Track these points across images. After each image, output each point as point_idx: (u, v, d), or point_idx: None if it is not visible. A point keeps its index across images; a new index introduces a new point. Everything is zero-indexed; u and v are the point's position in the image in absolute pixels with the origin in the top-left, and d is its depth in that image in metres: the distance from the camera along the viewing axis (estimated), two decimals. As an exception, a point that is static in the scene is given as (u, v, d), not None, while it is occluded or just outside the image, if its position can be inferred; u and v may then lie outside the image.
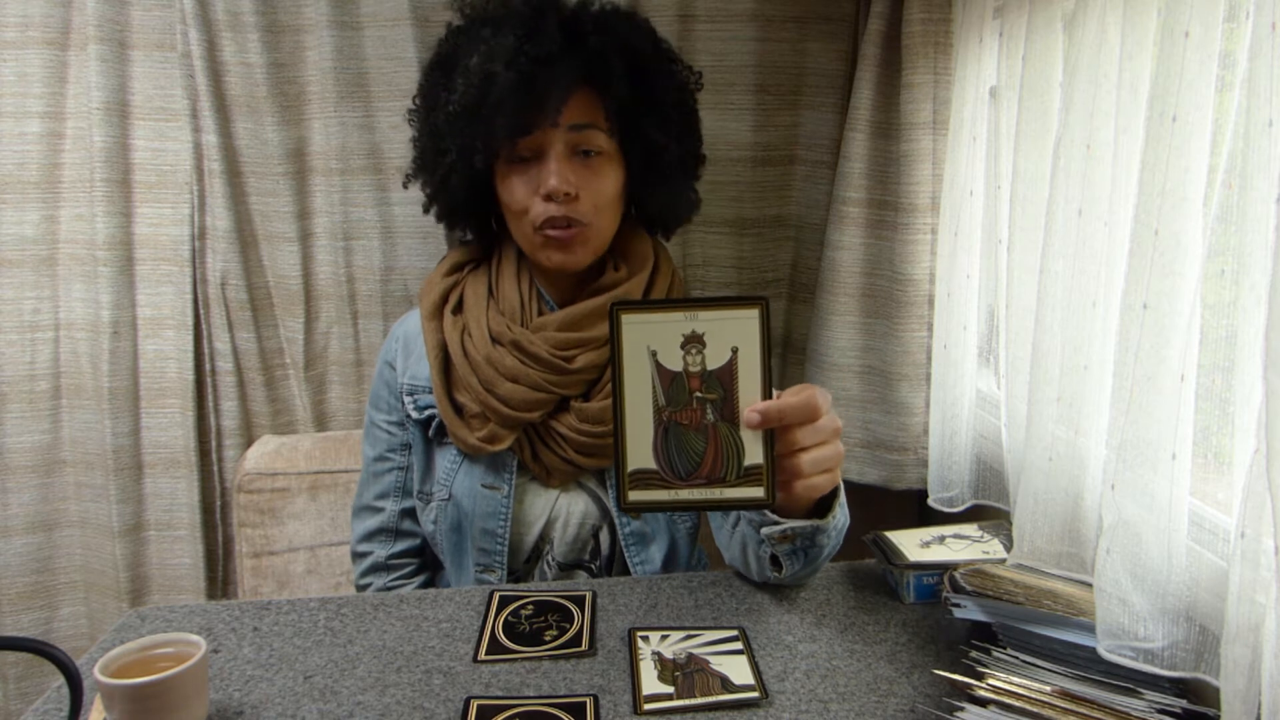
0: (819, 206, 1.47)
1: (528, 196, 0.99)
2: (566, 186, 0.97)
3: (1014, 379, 1.03)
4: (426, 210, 1.14)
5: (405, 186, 1.15)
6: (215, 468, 1.47)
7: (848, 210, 1.34)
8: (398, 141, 1.42)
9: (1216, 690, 0.65)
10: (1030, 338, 0.93)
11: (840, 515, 0.87)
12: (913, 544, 1.00)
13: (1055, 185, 0.88)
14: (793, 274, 1.54)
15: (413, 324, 1.12)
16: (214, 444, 1.46)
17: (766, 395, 0.73)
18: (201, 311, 1.43)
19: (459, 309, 1.07)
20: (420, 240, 1.46)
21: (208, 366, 1.45)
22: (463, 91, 0.98)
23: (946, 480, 1.19)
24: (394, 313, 1.48)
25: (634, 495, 0.76)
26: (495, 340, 1.03)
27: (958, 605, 0.84)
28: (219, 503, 1.48)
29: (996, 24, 1.10)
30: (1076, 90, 0.85)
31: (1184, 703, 0.70)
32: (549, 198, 0.97)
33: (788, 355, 1.56)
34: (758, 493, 0.74)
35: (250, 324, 1.44)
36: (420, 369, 1.08)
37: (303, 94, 1.41)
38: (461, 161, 1.01)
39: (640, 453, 0.75)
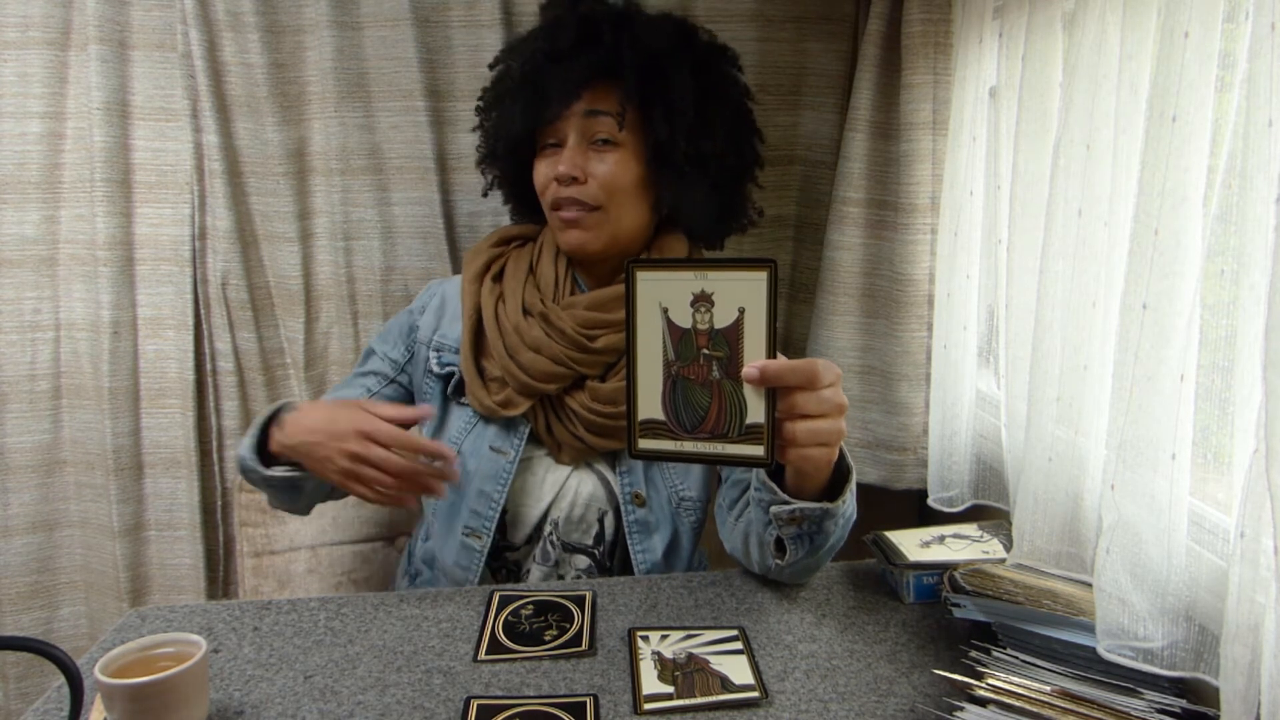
0: (819, 206, 1.47)
1: (547, 180, 1.06)
2: (573, 170, 1.02)
3: (1014, 379, 1.03)
4: (485, 194, 1.22)
5: (477, 168, 1.21)
6: (216, 468, 1.47)
7: (848, 210, 1.34)
8: (398, 141, 1.42)
9: (1216, 690, 0.65)
10: (1030, 338, 0.93)
11: (850, 502, 0.87)
12: (913, 544, 1.01)
13: (1055, 185, 0.88)
14: (793, 274, 1.54)
15: (453, 287, 1.17)
16: (214, 444, 1.46)
17: (771, 356, 0.74)
18: (202, 311, 1.43)
19: (499, 278, 1.12)
20: (420, 240, 1.46)
21: (208, 366, 1.45)
22: (492, 89, 1.12)
23: (946, 480, 1.19)
24: (394, 312, 1.48)
25: (643, 443, 0.78)
26: (526, 311, 1.08)
27: (958, 605, 0.84)
28: (219, 502, 1.48)
29: (996, 24, 1.10)
30: (1076, 90, 0.85)
31: (1184, 702, 0.70)
32: (559, 180, 1.03)
33: (788, 355, 1.55)
34: (757, 451, 0.76)
35: (251, 324, 1.44)
36: (452, 329, 1.13)
37: (303, 94, 1.41)
38: (495, 148, 1.12)
39: (650, 403, 0.78)
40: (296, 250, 1.43)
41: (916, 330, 1.30)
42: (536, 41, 1.07)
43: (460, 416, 1.11)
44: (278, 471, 0.98)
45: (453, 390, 1.11)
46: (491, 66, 1.15)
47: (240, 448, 1.01)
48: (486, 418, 1.09)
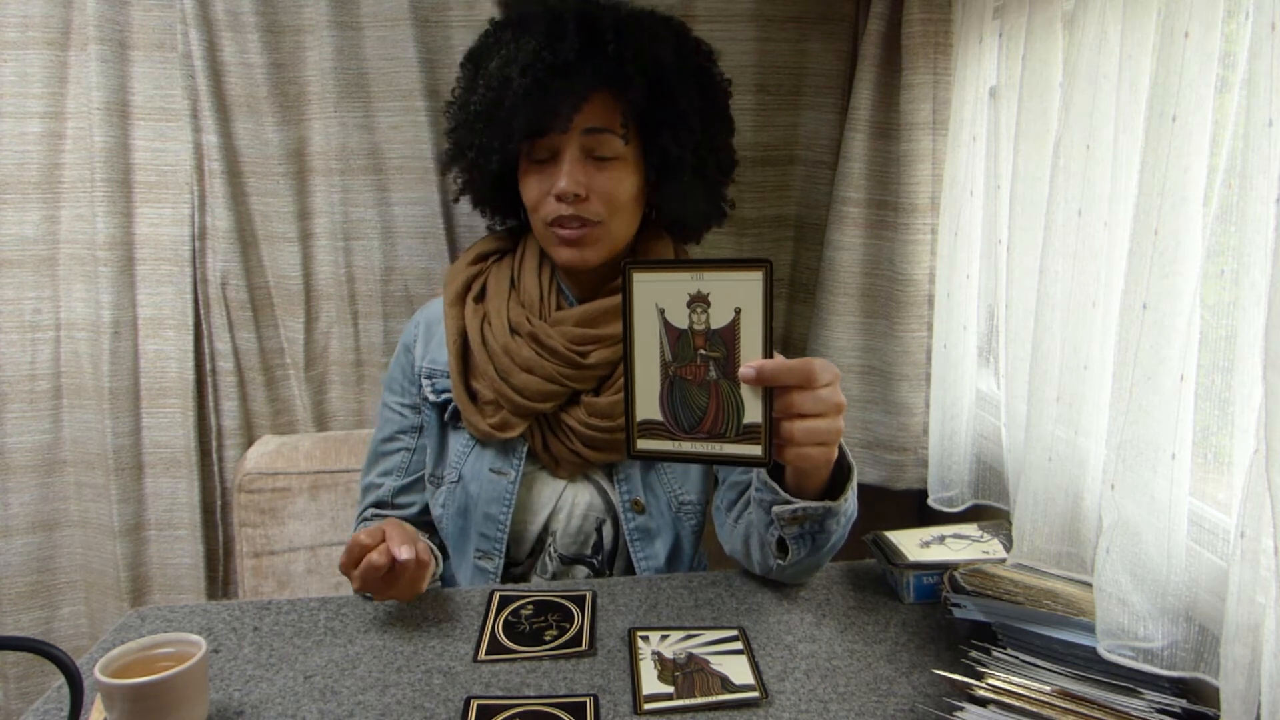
0: (819, 206, 1.47)
1: (541, 195, 1.02)
2: (576, 188, 0.99)
3: (1014, 379, 1.03)
4: (456, 199, 1.18)
5: (442, 175, 1.16)
6: (216, 468, 1.47)
7: (848, 210, 1.34)
8: (398, 141, 1.42)
9: (1216, 690, 0.65)
10: (1030, 338, 0.93)
11: (851, 500, 0.87)
12: (913, 544, 1.01)
13: (1055, 185, 0.88)
14: (793, 274, 1.54)
15: (435, 310, 1.15)
16: (214, 444, 1.46)
17: (767, 355, 0.74)
18: (202, 311, 1.43)
19: (481, 297, 1.09)
20: (420, 240, 1.46)
21: (208, 366, 1.45)
22: (482, 94, 1.02)
23: (946, 480, 1.19)
24: (394, 313, 1.48)
25: (641, 444, 0.78)
26: (514, 331, 1.05)
27: (958, 605, 0.84)
28: (219, 503, 1.48)
29: (996, 24, 1.10)
30: (1076, 90, 0.85)
31: (1184, 703, 0.70)
32: (560, 198, 1.00)
33: (788, 355, 1.55)
34: (755, 450, 0.76)
35: (250, 324, 1.45)
36: (440, 354, 1.10)
37: (303, 94, 1.41)
38: (481, 159, 1.04)
39: (648, 404, 0.77)
40: (296, 250, 1.43)
41: (916, 330, 1.30)
42: (529, 46, 0.98)
43: (458, 441, 1.09)
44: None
45: (449, 417, 1.10)
46: (464, 65, 1.09)
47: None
48: (484, 441, 1.07)
